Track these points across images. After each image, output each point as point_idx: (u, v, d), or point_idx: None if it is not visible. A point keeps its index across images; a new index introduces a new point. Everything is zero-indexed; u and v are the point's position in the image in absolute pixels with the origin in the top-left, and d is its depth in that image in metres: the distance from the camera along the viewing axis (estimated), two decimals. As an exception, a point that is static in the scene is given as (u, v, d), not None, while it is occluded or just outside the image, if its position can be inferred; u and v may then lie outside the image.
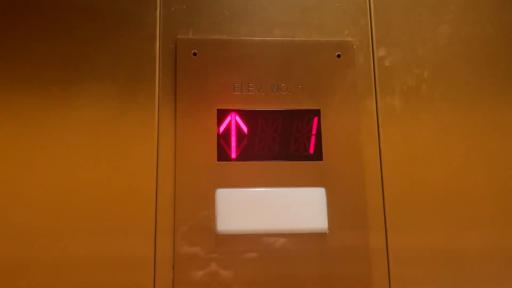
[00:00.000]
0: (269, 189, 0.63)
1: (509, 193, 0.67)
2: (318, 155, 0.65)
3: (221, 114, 0.65)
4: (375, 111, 0.68)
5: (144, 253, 0.61)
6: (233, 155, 0.65)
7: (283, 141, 0.66)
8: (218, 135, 0.65)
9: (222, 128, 0.65)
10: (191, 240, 0.61)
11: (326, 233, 0.63)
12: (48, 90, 0.64)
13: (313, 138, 0.66)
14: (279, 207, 0.62)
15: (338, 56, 0.69)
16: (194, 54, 0.67)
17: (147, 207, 0.62)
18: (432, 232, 0.65)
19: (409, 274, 0.63)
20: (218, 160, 0.64)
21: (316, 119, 0.66)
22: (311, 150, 0.66)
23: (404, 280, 0.63)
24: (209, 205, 0.62)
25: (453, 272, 0.64)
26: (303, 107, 0.67)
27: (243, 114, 0.66)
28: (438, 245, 0.64)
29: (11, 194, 0.61)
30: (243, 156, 0.65)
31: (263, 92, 0.67)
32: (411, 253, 0.64)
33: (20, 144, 0.62)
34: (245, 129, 0.65)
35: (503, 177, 0.67)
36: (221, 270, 0.61)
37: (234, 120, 0.66)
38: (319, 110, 0.67)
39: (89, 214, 0.61)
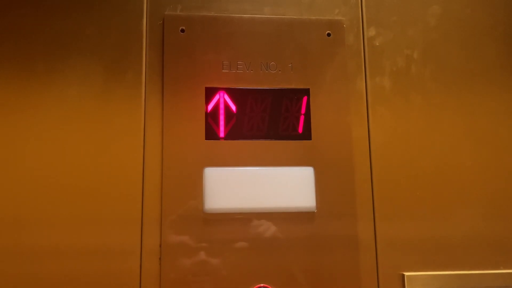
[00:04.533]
0: (257, 168, 0.63)
1: (497, 177, 0.67)
2: (307, 135, 0.65)
3: (210, 93, 0.64)
4: (365, 91, 0.68)
5: (131, 238, 0.60)
6: (222, 134, 0.64)
7: (272, 120, 0.65)
8: (206, 114, 0.64)
9: (210, 107, 0.64)
10: (178, 222, 0.61)
11: (314, 212, 0.63)
12: (34, 66, 0.63)
13: (302, 118, 0.65)
14: (267, 186, 0.62)
15: (328, 35, 0.68)
16: (182, 31, 0.66)
17: (134, 186, 0.61)
18: (420, 214, 0.65)
19: (397, 252, 0.64)
20: (206, 139, 0.63)
21: (305, 98, 0.66)
22: (300, 130, 0.65)
23: (392, 262, 0.64)
24: (197, 183, 0.62)
25: (442, 255, 0.65)
26: (293, 86, 0.66)
27: (231, 92, 0.65)
28: (425, 224, 0.65)
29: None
30: (231, 135, 0.64)
31: (252, 70, 0.66)
32: (398, 236, 0.64)
33: (2, 122, 0.61)
34: (233, 107, 0.65)
35: (491, 160, 0.68)
36: (209, 257, 0.60)
37: (222, 99, 0.65)
38: (309, 89, 0.66)
39: (75, 201, 0.60)
